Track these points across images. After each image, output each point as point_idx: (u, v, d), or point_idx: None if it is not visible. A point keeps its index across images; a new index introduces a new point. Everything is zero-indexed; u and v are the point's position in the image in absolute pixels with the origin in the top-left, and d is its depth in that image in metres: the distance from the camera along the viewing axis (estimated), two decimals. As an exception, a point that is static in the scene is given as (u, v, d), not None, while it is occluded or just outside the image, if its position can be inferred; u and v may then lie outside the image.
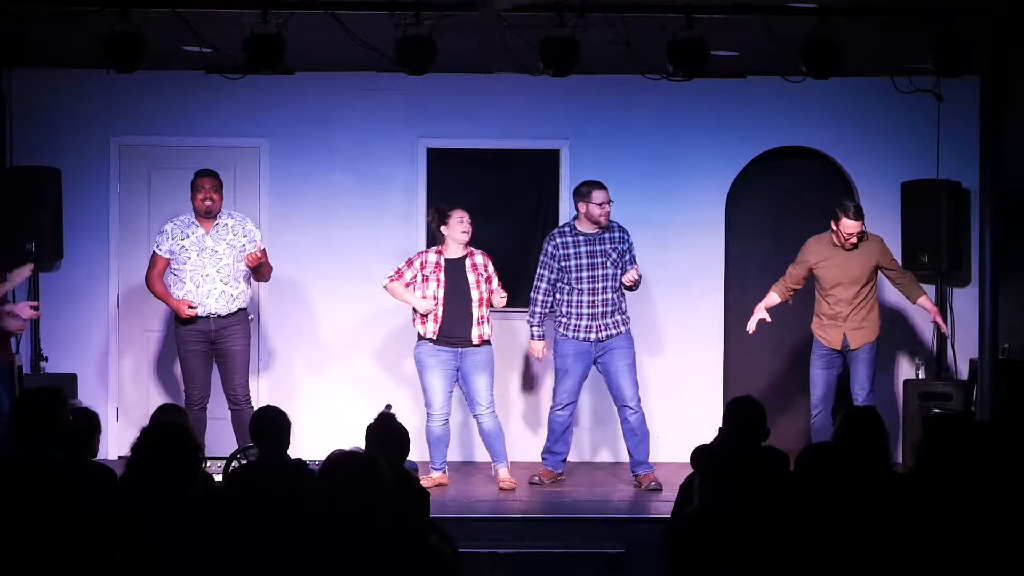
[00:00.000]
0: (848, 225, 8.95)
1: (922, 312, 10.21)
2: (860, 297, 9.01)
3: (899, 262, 10.12)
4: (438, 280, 8.96)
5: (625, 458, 9.47)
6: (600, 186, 9.11)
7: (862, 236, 9.01)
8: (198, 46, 8.46)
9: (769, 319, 9.32)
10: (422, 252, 9.13)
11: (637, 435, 9.12)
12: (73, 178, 10.06)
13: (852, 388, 9.04)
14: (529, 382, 10.33)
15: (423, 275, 8.97)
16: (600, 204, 9.08)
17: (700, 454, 5.42)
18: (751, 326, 9.34)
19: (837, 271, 9.03)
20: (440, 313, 8.94)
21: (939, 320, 9.19)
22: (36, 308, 8.91)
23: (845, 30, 8.20)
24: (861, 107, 10.21)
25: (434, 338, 8.93)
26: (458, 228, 8.95)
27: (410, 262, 9.06)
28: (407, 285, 9.00)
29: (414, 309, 9.00)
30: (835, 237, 9.02)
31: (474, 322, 8.96)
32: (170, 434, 5.20)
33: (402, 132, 10.28)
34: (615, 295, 9.13)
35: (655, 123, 10.30)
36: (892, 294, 10.07)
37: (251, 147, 10.27)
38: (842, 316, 9.02)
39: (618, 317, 9.14)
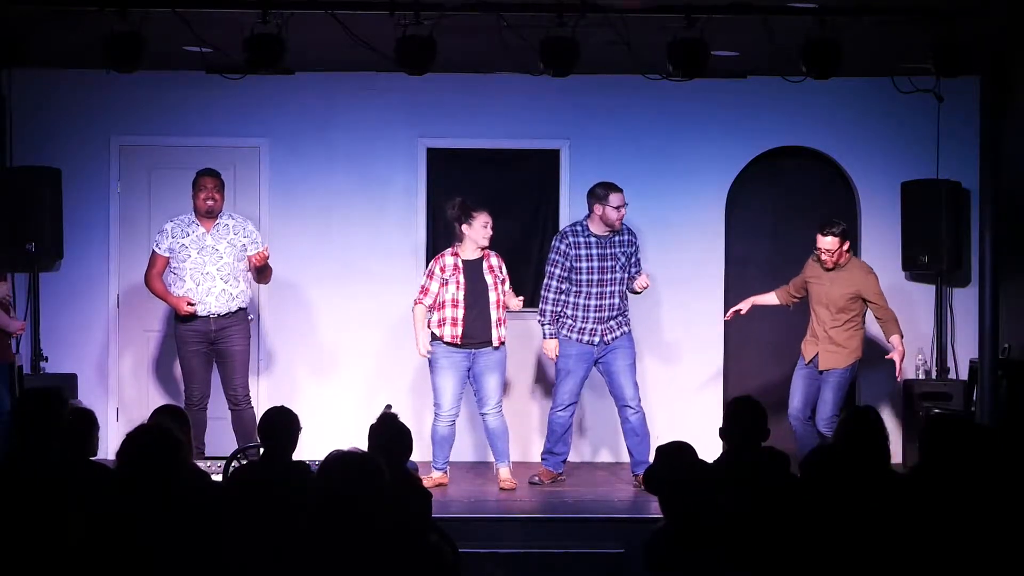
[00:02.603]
0: (820, 240, 8.89)
1: (922, 313, 10.24)
2: (838, 322, 8.90)
3: (901, 264, 10.14)
4: (458, 283, 8.93)
5: (625, 458, 9.48)
6: (616, 188, 9.05)
7: (839, 261, 8.87)
8: (198, 46, 8.47)
9: (744, 313, 9.35)
10: (438, 257, 9.06)
11: (638, 435, 9.13)
12: (73, 178, 10.06)
13: (817, 408, 8.97)
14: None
15: (443, 279, 8.96)
16: (617, 207, 9.03)
17: (652, 477, 5.38)
18: (728, 313, 9.47)
19: (820, 291, 8.97)
20: (461, 316, 8.93)
21: (897, 359, 8.89)
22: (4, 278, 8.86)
23: (845, 30, 8.20)
24: (861, 107, 10.22)
25: (458, 343, 8.93)
26: (481, 232, 8.92)
27: (431, 274, 8.98)
28: (433, 301, 8.95)
29: (437, 309, 8.96)
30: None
31: (493, 324, 8.97)
32: (150, 435, 5.20)
33: (402, 132, 10.28)
34: (620, 299, 9.13)
35: (655, 123, 10.30)
36: (893, 295, 10.10)
37: (251, 147, 10.27)
38: (818, 335, 8.98)
39: (621, 319, 9.15)
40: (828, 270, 8.93)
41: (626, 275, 9.12)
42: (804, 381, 9.01)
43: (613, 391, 9.22)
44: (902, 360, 8.95)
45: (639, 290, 9.07)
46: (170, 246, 9.07)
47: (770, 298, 9.31)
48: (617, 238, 9.13)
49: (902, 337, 8.95)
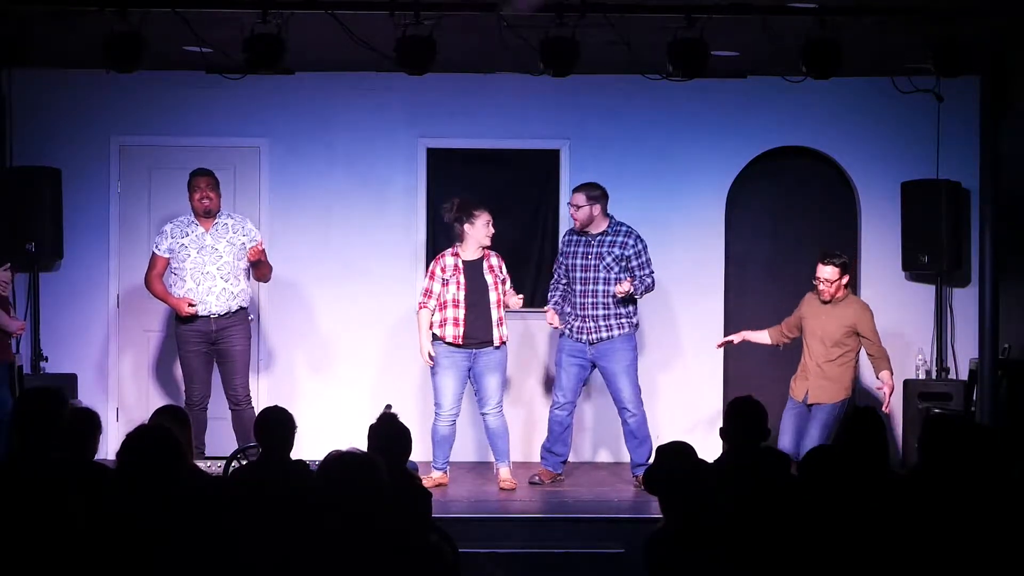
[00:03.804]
0: (820, 269, 8.74)
1: (921, 312, 10.24)
2: (831, 356, 8.78)
3: (901, 264, 10.13)
4: (458, 283, 8.93)
5: (626, 458, 9.48)
6: (578, 188, 9.18)
7: (836, 295, 8.73)
8: (198, 46, 8.47)
9: (735, 344, 9.30)
10: (438, 257, 9.06)
11: (637, 438, 9.11)
12: (73, 178, 10.06)
13: (801, 444, 8.67)
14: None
15: (443, 279, 8.96)
16: (569, 204, 9.18)
17: (652, 478, 5.35)
18: (719, 343, 9.41)
19: (815, 324, 8.83)
20: (462, 316, 8.93)
21: (887, 391, 8.72)
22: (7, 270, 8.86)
23: (845, 30, 8.20)
24: (861, 107, 10.21)
25: (459, 343, 8.93)
26: (484, 231, 8.93)
27: (432, 275, 8.98)
28: (438, 300, 8.95)
29: (438, 309, 8.95)
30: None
31: (494, 323, 8.97)
32: (151, 436, 5.20)
33: (402, 132, 10.28)
34: (606, 299, 9.09)
35: (655, 123, 10.30)
36: (893, 295, 10.13)
37: (251, 147, 10.27)
38: (809, 369, 8.85)
39: (612, 321, 9.10)
40: (825, 303, 8.79)
41: (613, 276, 9.03)
42: (795, 420, 8.84)
43: (611, 394, 9.21)
44: (891, 394, 8.81)
45: (619, 295, 8.96)
46: (170, 246, 9.08)
47: (762, 336, 9.19)
48: (608, 239, 9.10)
49: (892, 374, 8.83)
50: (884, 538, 5.05)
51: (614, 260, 9.06)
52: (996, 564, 5.04)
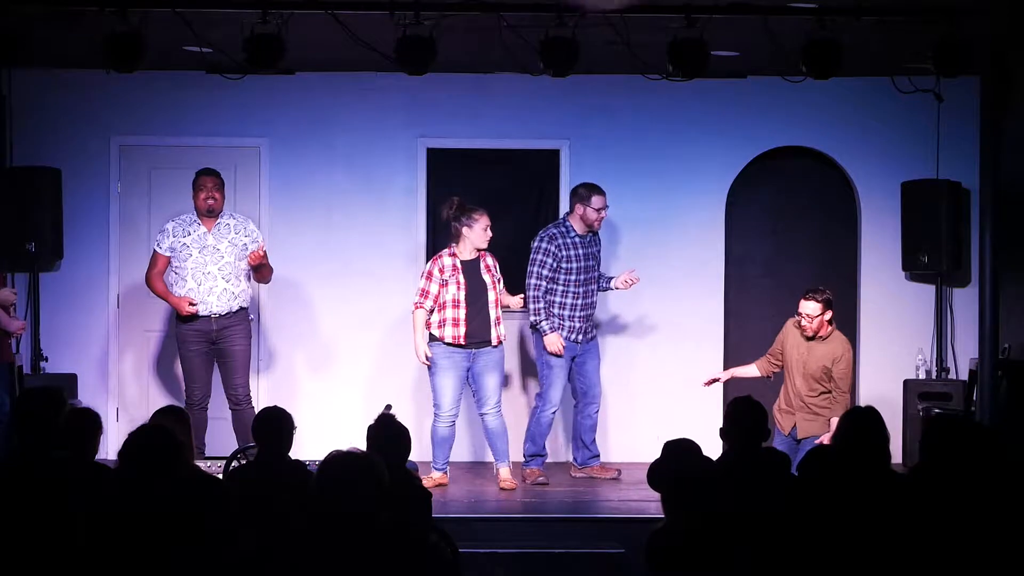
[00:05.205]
0: (802, 305, 8.60)
1: (921, 311, 10.24)
2: (814, 393, 8.60)
3: (901, 264, 10.11)
4: (458, 283, 8.93)
5: (627, 459, 9.48)
6: (599, 191, 9.17)
7: (820, 332, 8.55)
8: (198, 46, 8.47)
9: (722, 381, 9.24)
10: (436, 258, 9.05)
11: (594, 430, 9.32)
12: (73, 178, 10.06)
13: None
14: (534, 382, 10.33)
15: (442, 280, 8.95)
16: (598, 209, 9.14)
17: (658, 474, 5.33)
18: (706, 380, 9.17)
19: (797, 358, 8.67)
20: (463, 316, 8.92)
21: (827, 439, 8.20)
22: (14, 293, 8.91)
23: (845, 30, 8.20)
24: (861, 107, 10.22)
25: (461, 343, 8.92)
26: (482, 235, 8.92)
27: (429, 275, 8.96)
28: (435, 301, 8.93)
29: (437, 310, 8.94)
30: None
31: (492, 323, 8.98)
32: (152, 436, 5.20)
33: (402, 132, 10.28)
34: (596, 298, 9.28)
35: (655, 123, 10.30)
36: (893, 295, 10.11)
37: (251, 147, 10.27)
38: (793, 404, 8.68)
39: (594, 320, 9.32)
40: (808, 339, 8.64)
41: (598, 272, 9.31)
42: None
43: (584, 388, 9.28)
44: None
45: (626, 286, 9.21)
46: (171, 245, 9.08)
47: (751, 370, 9.03)
48: (593, 238, 9.24)
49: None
50: (885, 538, 5.05)
51: (599, 257, 9.32)
52: (996, 564, 5.04)
